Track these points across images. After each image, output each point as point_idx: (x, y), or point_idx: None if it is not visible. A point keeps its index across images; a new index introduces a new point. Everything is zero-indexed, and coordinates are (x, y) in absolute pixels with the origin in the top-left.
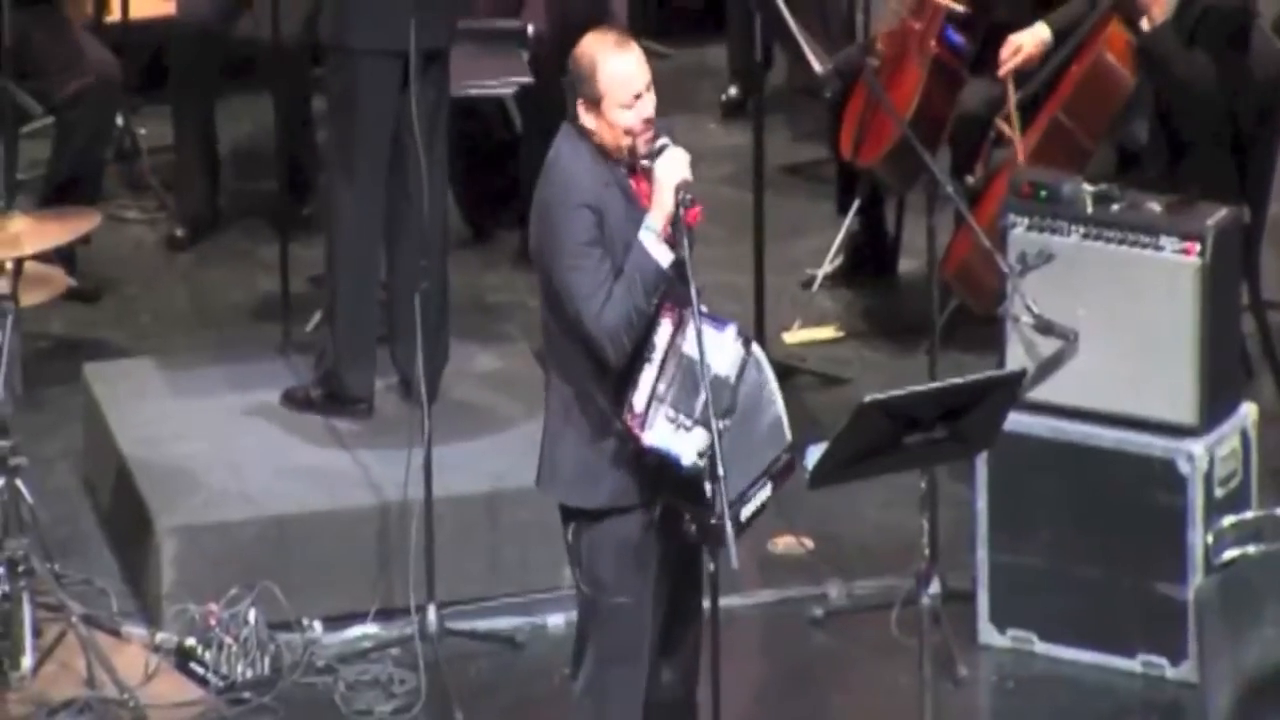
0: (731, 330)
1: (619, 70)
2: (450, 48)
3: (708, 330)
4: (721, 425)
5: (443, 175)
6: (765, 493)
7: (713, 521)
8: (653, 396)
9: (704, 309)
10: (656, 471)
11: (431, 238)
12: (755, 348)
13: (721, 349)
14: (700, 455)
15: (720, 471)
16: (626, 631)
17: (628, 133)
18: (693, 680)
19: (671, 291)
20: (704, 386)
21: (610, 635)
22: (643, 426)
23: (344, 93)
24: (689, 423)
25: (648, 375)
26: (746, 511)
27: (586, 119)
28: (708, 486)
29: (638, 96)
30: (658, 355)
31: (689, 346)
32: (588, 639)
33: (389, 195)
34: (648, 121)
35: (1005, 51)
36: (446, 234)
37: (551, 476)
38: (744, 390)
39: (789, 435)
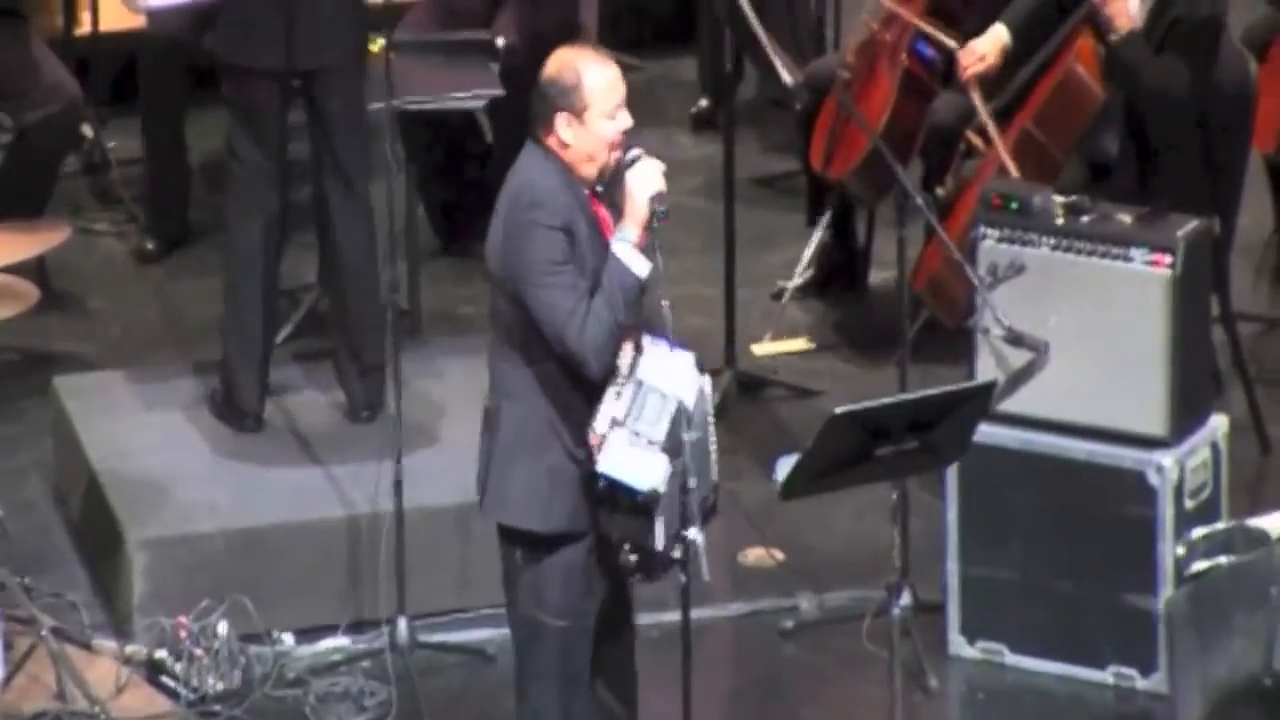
0: (691, 358)
1: (604, 79)
2: (346, 66)
3: (670, 354)
4: (680, 459)
5: (365, 195)
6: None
7: (659, 550)
8: (613, 421)
9: (664, 332)
10: (603, 500)
11: (358, 250)
12: (704, 378)
13: (684, 375)
14: (658, 482)
15: (690, 488)
16: (566, 655)
17: (609, 145)
18: (632, 697)
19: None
20: (660, 411)
21: (548, 657)
22: (600, 450)
23: (230, 104)
24: (647, 443)
25: (608, 399)
26: (678, 548)
27: (565, 133)
28: (658, 517)
29: (618, 107)
30: (619, 379)
31: (649, 371)
32: (525, 660)
33: (324, 218)
34: (624, 135)
35: (967, 58)
36: (374, 249)
37: (500, 501)
38: (698, 420)
39: (715, 476)
